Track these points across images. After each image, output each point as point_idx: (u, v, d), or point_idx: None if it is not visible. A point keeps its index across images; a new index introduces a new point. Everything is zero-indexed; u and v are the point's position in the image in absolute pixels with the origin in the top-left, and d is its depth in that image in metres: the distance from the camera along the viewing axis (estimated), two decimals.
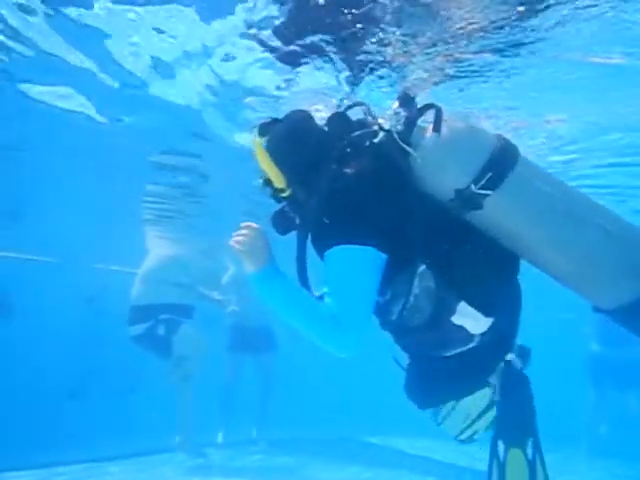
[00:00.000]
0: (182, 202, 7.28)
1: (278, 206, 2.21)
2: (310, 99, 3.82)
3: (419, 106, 2.11)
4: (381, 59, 3.29)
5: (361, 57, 3.26)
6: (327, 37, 3.03)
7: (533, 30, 2.97)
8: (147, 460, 6.83)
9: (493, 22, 2.94)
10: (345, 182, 1.92)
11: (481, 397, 2.15)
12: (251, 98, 4.05)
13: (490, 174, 1.93)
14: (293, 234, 2.19)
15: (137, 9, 3.00)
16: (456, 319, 1.93)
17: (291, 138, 2.08)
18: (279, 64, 3.44)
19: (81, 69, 3.73)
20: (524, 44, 3.14)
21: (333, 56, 3.27)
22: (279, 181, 2.06)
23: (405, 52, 3.22)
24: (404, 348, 2.21)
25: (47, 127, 4.86)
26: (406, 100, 2.09)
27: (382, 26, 2.93)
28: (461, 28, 3.00)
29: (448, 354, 2.04)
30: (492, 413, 2.16)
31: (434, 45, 3.16)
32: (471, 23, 2.95)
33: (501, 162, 1.96)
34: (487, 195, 1.92)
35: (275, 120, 2.13)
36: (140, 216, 8.26)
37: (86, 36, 3.29)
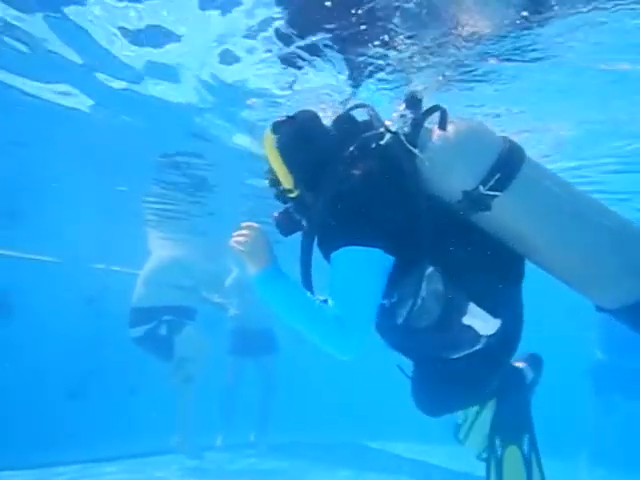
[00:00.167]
0: (184, 203, 7.26)
1: (282, 207, 2.20)
2: (312, 100, 3.80)
3: (425, 108, 2.10)
4: (384, 62, 3.28)
5: (364, 59, 3.25)
6: (330, 38, 3.02)
7: (538, 35, 2.96)
8: (145, 461, 6.83)
9: (498, 28, 2.93)
10: (353, 184, 1.92)
11: None
12: (253, 99, 4.03)
13: (498, 175, 1.94)
14: (295, 236, 2.18)
15: (138, 6, 2.98)
16: (466, 320, 1.94)
17: (301, 138, 2.07)
18: (281, 64, 3.42)
19: (79, 66, 3.72)
20: (528, 50, 3.13)
21: (336, 57, 3.25)
22: (287, 181, 2.06)
23: (409, 57, 3.21)
24: (406, 353, 2.21)
25: (45, 124, 4.84)
26: (413, 102, 2.09)
27: (387, 28, 2.92)
28: (465, 33, 2.99)
29: (456, 355, 2.04)
30: None
31: (438, 49, 3.14)
32: (476, 29, 2.94)
33: (509, 163, 1.97)
34: (495, 196, 1.92)
35: (290, 118, 2.12)
36: (141, 216, 8.24)
37: (83, 33, 3.28)
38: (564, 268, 2.03)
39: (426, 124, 2.08)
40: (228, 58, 3.43)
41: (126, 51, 3.46)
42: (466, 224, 2.01)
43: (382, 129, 2.01)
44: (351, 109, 2.24)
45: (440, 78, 3.47)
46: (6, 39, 3.38)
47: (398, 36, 2.99)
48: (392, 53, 3.17)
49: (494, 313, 1.96)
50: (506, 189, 1.94)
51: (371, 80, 3.51)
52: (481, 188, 1.93)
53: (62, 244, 9.74)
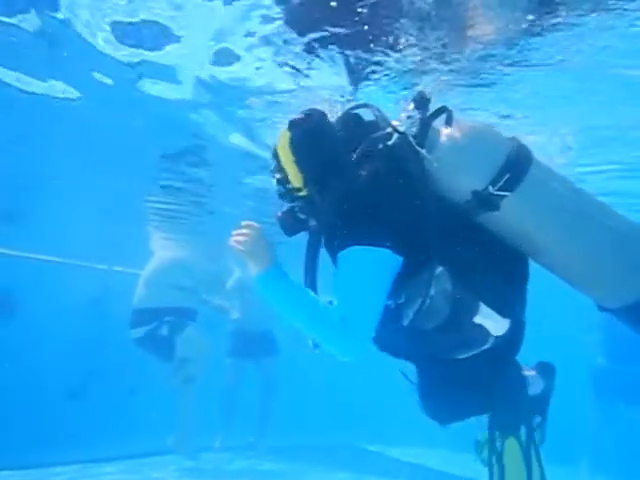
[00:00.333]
0: (184, 203, 7.26)
1: (285, 206, 2.19)
2: (312, 99, 3.78)
3: (433, 110, 2.10)
4: (389, 63, 3.27)
5: (369, 59, 3.24)
6: (333, 37, 3.01)
7: (544, 40, 2.96)
8: (144, 462, 6.82)
9: (504, 33, 2.94)
10: (362, 184, 1.92)
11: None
12: (252, 99, 4.01)
13: (508, 175, 1.95)
14: (294, 237, 2.17)
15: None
16: (477, 320, 1.94)
17: (315, 138, 2.07)
18: (282, 63, 3.40)
19: (76, 64, 3.72)
20: (534, 54, 3.12)
21: (339, 56, 3.24)
22: (297, 180, 2.06)
23: (414, 59, 3.21)
24: (409, 356, 2.20)
25: (43, 121, 4.84)
26: (421, 102, 2.08)
27: (393, 30, 2.92)
28: (472, 38, 2.99)
29: (463, 355, 2.04)
30: None
31: (443, 53, 3.15)
32: (482, 33, 2.95)
33: (518, 164, 1.98)
34: (504, 196, 1.94)
35: (307, 116, 2.11)
36: (143, 217, 8.24)
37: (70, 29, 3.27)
38: (568, 267, 2.05)
39: (434, 125, 2.08)
40: (227, 56, 3.40)
41: (122, 50, 3.45)
42: (473, 224, 2.02)
43: (390, 129, 2.01)
44: (353, 108, 2.24)
45: (444, 79, 3.46)
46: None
47: (403, 38, 2.99)
48: (397, 55, 3.17)
49: (503, 313, 1.97)
50: (515, 189, 1.95)
51: (373, 81, 3.49)
52: (490, 188, 1.94)
53: (63, 244, 9.74)
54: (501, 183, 1.94)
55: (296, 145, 2.04)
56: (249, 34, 3.11)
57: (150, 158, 5.64)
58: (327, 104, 3.77)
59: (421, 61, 3.24)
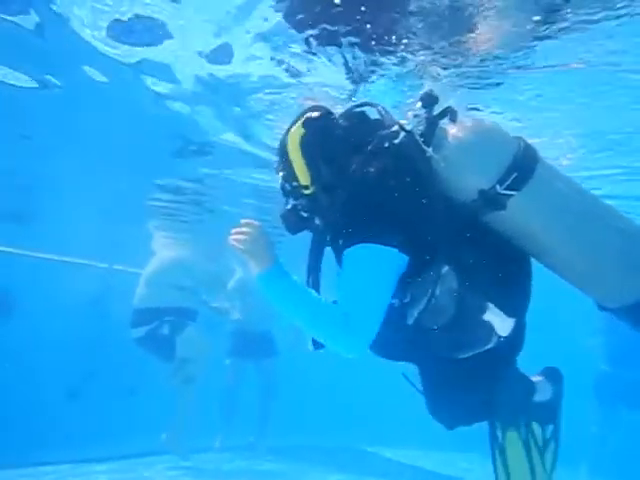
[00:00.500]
0: (185, 201, 7.24)
1: (289, 204, 2.16)
2: (314, 96, 3.75)
3: (440, 109, 2.09)
4: (390, 63, 3.26)
5: (371, 58, 3.21)
6: (336, 34, 2.98)
7: (551, 43, 2.95)
8: (139, 461, 6.80)
9: (511, 37, 2.94)
10: (369, 182, 1.91)
11: None
12: (254, 95, 3.97)
13: (515, 175, 1.95)
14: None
15: None
16: (485, 318, 1.95)
17: (326, 136, 2.06)
18: (284, 59, 3.37)
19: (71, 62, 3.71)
20: (540, 58, 3.12)
21: (341, 54, 3.22)
22: (305, 177, 2.04)
23: (420, 59, 3.20)
24: (411, 356, 2.19)
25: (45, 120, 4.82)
26: (429, 100, 2.07)
27: (397, 30, 2.91)
28: (479, 41, 2.99)
29: (467, 354, 2.03)
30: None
31: (450, 54, 3.14)
32: (489, 36, 2.94)
33: (525, 163, 1.98)
34: (511, 196, 1.94)
35: (322, 114, 2.10)
36: (144, 216, 8.22)
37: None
38: (571, 267, 2.04)
39: (441, 124, 2.07)
40: (225, 53, 3.37)
41: (119, 48, 3.42)
42: (478, 224, 2.01)
43: (396, 127, 2.01)
44: (357, 106, 2.22)
45: (447, 80, 3.43)
46: None
47: (405, 38, 2.97)
48: (399, 55, 3.16)
49: (509, 312, 1.98)
50: (522, 189, 1.95)
51: (375, 79, 3.47)
52: (498, 187, 1.94)
53: (65, 243, 9.73)
54: (508, 182, 1.94)
55: (309, 143, 2.03)
56: (248, 31, 3.08)
57: (150, 157, 5.62)
58: (328, 102, 3.73)
59: (423, 62, 3.22)
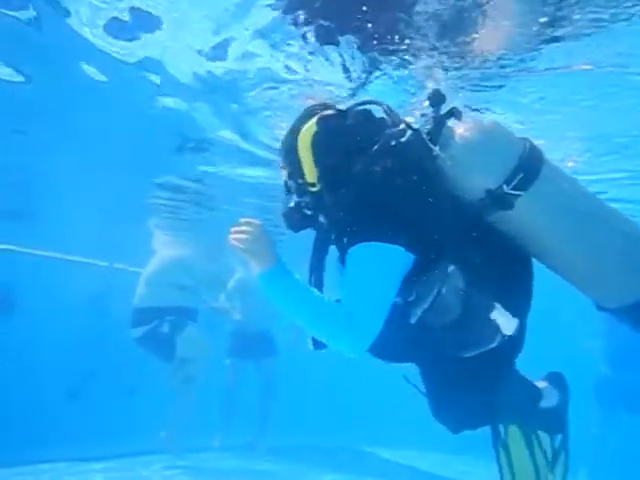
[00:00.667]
0: (185, 201, 7.22)
1: (291, 202, 2.15)
2: (315, 93, 3.71)
3: (447, 108, 2.10)
4: (395, 65, 3.24)
5: (374, 58, 3.18)
6: (340, 32, 2.95)
7: (557, 46, 2.93)
8: (138, 460, 6.78)
9: (517, 41, 2.93)
10: (376, 180, 1.90)
11: None
12: (253, 92, 3.93)
13: (522, 175, 1.95)
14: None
15: None
16: (491, 317, 1.94)
17: (337, 134, 2.05)
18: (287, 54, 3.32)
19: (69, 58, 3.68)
20: (547, 60, 3.10)
21: (342, 52, 3.18)
22: (311, 175, 2.03)
23: (424, 63, 3.18)
24: (412, 356, 2.18)
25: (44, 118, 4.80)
26: (437, 99, 2.06)
27: (403, 31, 2.88)
28: (485, 44, 2.98)
29: (469, 354, 2.02)
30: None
31: (456, 57, 3.12)
32: (496, 39, 2.94)
33: (531, 163, 1.99)
34: (518, 195, 1.94)
35: (336, 114, 2.09)
36: (145, 214, 8.21)
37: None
38: (574, 267, 2.05)
39: (448, 123, 2.07)
40: (224, 50, 3.33)
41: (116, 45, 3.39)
42: (483, 224, 2.02)
43: (403, 126, 2.00)
44: (361, 104, 2.19)
45: (451, 80, 3.40)
46: None
47: (408, 39, 2.94)
48: (404, 56, 3.14)
49: (513, 312, 1.98)
50: (528, 189, 1.96)
51: (379, 78, 3.43)
52: (505, 187, 1.95)
53: (67, 242, 9.73)
54: (515, 182, 1.95)
55: (320, 141, 2.02)
56: (247, 27, 3.05)
57: (148, 154, 5.59)
58: (329, 99, 3.69)
59: (425, 65, 3.19)
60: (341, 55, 3.21)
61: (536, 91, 3.52)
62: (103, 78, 3.89)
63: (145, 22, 3.10)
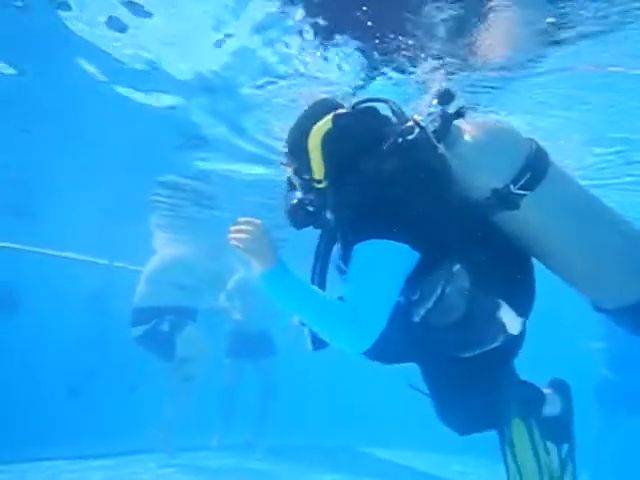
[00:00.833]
0: (186, 199, 7.20)
1: (295, 199, 2.14)
2: (314, 91, 3.69)
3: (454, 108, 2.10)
4: (400, 64, 3.22)
5: (384, 57, 3.16)
6: (340, 30, 2.93)
7: (563, 49, 2.92)
8: (135, 458, 6.78)
9: (523, 45, 2.94)
10: (384, 178, 1.90)
11: None
12: (254, 87, 3.89)
13: (529, 175, 1.96)
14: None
15: None
16: (498, 316, 1.95)
17: (351, 132, 2.04)
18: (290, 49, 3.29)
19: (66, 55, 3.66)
20: (552, 63, 3.09)
21: (349, 51, 3.16)
22: (319, 171, 2.02)
23: (431, 65, 3.17)
24: (412, 356, 2.19)
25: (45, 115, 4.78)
26: (446, 97, 2.06)
27: (412, 32, 2.87)
28: (488, 50, 2.98)
29: (471, 353, 2.03)
30: None
31: (460, 60, 3.12)
32: (500, 43, 2.94)
33: (538, 163, 2.00)
34: (524, 195, 1.95)
35: (353, 111, 2.09)
36: (144, 212, 8.19)
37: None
38: (574, 268, 2.06)
39: (455, 122, 2.08)
40: (222, 46, 3.32)
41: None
42: (487, 223, 2.02)
43: (411, 123, 1.99)
44: (366, 101, 2.19)
45: (452, 83, 3.39)
46: None
47: (412, 40, 2.93)
48: (413, 60, 3.13)
49: (518, 311, 1.99)
50: (535, 189, 1.97)
51: (382, 77, 3.41)
52: (512, 187, 1.96)
53: (65, 240, 9.73)
54: (522, 182, 1.96)
55: (333, 138, 2.01)
56: (245, 24, 3.03)
57: (149, 153, 5.57)
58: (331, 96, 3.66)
59: (430, 65, 3.17)
60: (338, 54, 3.20)
61: (540, 93, 3.51)
62: (100, 76, 3.87)
63: (138, 12, 3.06)
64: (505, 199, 1.96)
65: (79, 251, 10.77)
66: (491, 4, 2.59)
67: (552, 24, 2.70)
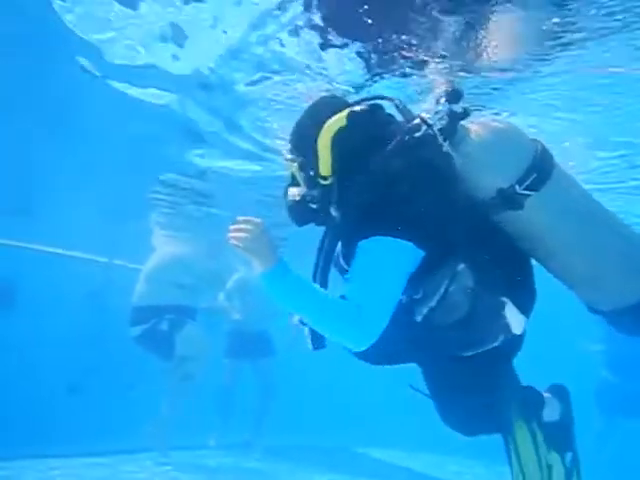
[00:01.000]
0: (186, 197, 7.19)
1: (297, 195, 2.12)
2: (312, 89, 3.66)
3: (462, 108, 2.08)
4: (408, 67, 3.21)
5: (384, 58, 3.14)
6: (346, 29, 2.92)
7: (567, 52, 2.91)
8: (132, 457, 6.76)
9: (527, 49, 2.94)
10: (390, 175, 1.89)
11: None
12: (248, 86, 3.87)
13: (534, 175, 1.97)
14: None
15: None
16: (498, 315, 1.94)
17: (364, 130, 2.01)
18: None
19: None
20: (555, 62, 3.06)
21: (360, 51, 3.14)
22: (326, 168, 2.00)
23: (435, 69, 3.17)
24: (411, 356, 2.18)
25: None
26: (455, 96, 2.03)
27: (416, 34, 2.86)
28: (491, 52, 2.98)
29: (474, 352, 2.02)
30: None
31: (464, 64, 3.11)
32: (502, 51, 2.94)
33: (543, 165, 2.00)
34: (529, 196, 1.96)
35: (367, 109, 2.07)
36: (145, 210, 8.19)
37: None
38: (573, 269, 2.06)
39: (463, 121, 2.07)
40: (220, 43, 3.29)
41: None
42: (490, 223, 2.03)
43: (418, 121, 1.98)
44: (370, 99, 2.17)
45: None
46: None
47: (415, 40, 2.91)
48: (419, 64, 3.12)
49: (522, 311, 1.99)
50: (540, 190, 1.97)
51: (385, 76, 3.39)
52: (517, 187, 1.96)
53: (64, 237, 9.73)
54: (528, 182, 1.96)
55: (346, 134, 1.98)
56: (243, 21, 3.00)
57: (148, 151, 5.56)
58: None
59: (434, 67, 3.15)
60: (338, 52, 3.17)
61: (545, 95, 3.49)
62: (96, 72, 3.86)
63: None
64: (510, 199, 1.96)
65: (77, 248, 10.77)
66: (495, 6, 2.58)
67: (557, 25, 2.68)
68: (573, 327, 8.71)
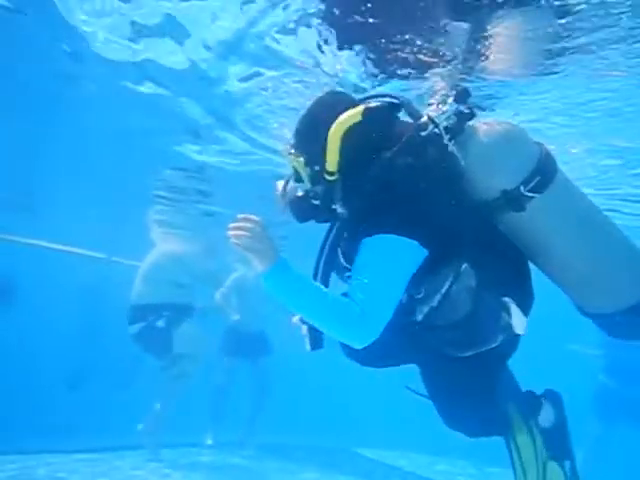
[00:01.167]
0: (184, 194, 7.18)
1: (299, 192, 2.12)
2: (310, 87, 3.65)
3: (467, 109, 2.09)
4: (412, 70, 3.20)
5: (390, 57, 3.13)
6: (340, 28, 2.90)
7: (570, 55, 2.91)
8: (128, 454, 6.76)
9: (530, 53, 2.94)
10: (396, 174, 1.89)
11: None
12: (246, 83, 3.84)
13: (539, 178, 1.99)
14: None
15: None
16: (500, 316, 1.95)
17: (376, 127, 2.01)
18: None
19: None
20: (561, 64, 3.06)
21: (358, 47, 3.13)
22: (332, 164, 1.99)
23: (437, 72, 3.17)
24: (410, 356, 2.19)
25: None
26: (464, 96, 2.06)
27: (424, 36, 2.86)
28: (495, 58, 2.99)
29: (473, 352, 2.02)
30: None
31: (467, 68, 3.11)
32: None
33: (548, 167, 2.03)
34: (533, 197, 1.98)
35: (381, 106, 2.06)
36: (143, 207, 8.18)
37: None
38: (570, 271, 2.08)
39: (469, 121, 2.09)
40: (218, 41, 3.27)
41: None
42: (492, 223, 2.05)
43: (425, 119, 1.99)
44: (375, 97, 2.17)
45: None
46: None
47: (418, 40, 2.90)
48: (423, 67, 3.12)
49: (523, 311, 2.01)
50: (543, 192, 1.99)
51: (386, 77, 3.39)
52: (522, 188, 1.97)
53: (64, 233, 9.73)
54: (532, 184, 1.98)
55: (358, 131, 1.96)
56: (241, 18, 2.98)
57: (146, 147, 5.56)
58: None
59: (437, 71, 3.15)
60: (336, 52, 3.16)
61: (545, 100, 3.49)
62: (94, 67, 3.84)
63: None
64: (514, 200, 1.98)
65: (76, 244, 10.77)
66: (497, 11, 2.58)
67: (560, 29, 2.68)
68: (571, 331, 8.73)
